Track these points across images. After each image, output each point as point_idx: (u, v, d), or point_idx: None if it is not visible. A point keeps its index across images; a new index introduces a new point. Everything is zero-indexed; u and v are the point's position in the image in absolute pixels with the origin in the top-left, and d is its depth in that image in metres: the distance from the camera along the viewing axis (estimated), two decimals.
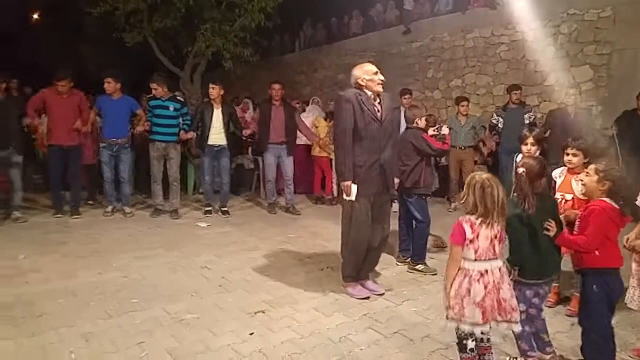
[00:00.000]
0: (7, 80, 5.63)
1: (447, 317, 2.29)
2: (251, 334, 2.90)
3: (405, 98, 6.74)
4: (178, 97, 6.29)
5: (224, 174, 6.14)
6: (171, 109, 5.81)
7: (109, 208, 5.95)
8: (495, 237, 2.25)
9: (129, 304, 3.28)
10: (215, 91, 5.92)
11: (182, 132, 5.87)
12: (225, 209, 6.22)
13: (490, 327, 2.24)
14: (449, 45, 9.15)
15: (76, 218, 5.70)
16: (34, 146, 6.24)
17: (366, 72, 3.51)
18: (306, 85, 12.81)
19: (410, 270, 4.11)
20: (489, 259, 2.24)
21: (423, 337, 2.91)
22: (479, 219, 2.23)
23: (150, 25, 9.36)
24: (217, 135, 5.94)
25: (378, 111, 3.51)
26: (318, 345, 2.78)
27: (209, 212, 6.13)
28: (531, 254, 2.46)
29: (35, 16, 14.69)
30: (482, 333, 2.26)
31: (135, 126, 6.09)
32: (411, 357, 2.69)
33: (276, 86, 6.21)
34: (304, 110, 7.61)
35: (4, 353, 2.63)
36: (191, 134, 5.96)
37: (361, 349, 2.75)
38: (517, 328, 2.31)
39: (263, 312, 3.22)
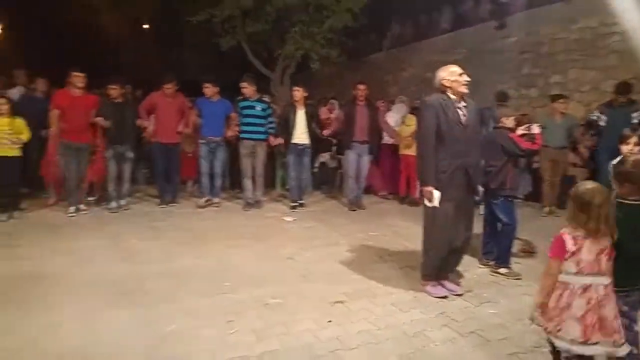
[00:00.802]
0: (123, 86, 6.40)
1: (545, 331, 2.19)
2: (329, 321, 3.05)
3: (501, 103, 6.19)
4: (264, 99, 6.74)
5: (305, 171, 6.52)
6: (258, 108, 6.28)
7: (203, 200, 6.48)
8: (602, 251, 2.11)
9: (221, 287, 3.61)
10: (298, 93, 6.28)
11: (271, 137, 6.36)
12: (302, 201, 6.59)
13: (594, 353, 2.10)
14: (548, 39, 8.51)
15: (173, 206, 6.41)
16: (144, 143, 6.98)
17: (451, 74, 3.49)
18: (393, 84, 12.70)
19: (493, 274, 3.99)
20: (593, 274, 2.11)
21: (501, 339, 2.84)
22: (583, 232, 2.11)
23: (243, 29, 10.00)
24: (301, 135, 6.29)
25: (463, 115, 3.47)
26: (393, 338, 2.85)
27: (295, 207, 6.43)
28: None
29: (145, 26, 16.30)
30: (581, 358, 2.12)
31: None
32: (487, 358, 2.65)
33: (361, 87, 6.36)
34: (389, 110, 7.62)
35: (120, 320, 3.06)
36: (280, 140, 6.39)
37: (436, 345, 2.77)
38: (622, 352, 2.11)
39: (342, 302, 3.35)
